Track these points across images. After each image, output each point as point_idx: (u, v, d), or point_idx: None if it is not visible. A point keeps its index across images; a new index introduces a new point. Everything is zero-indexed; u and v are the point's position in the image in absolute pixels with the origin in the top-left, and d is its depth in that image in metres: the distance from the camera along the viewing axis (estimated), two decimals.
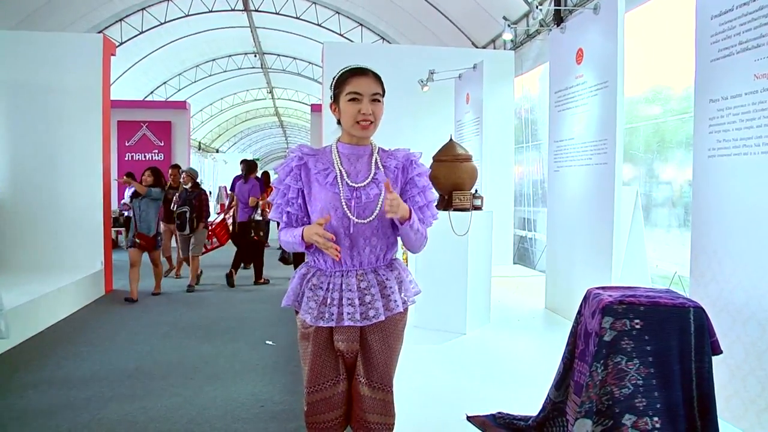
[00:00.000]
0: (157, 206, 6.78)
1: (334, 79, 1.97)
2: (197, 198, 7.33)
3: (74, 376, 3.97)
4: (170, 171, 8.31)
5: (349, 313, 1.88)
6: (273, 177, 14.38)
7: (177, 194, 7.49)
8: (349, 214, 1.89)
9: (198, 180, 7.81)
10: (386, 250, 1.97)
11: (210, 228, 8.46)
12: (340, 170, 1.93)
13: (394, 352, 2.00)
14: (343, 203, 1.89)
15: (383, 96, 1.95)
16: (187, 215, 7.18)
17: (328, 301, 1.90)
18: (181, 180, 7.57)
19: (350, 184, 1.91)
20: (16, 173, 6.96)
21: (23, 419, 3.27)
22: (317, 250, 1.93)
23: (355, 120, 1.89)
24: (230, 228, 8.76)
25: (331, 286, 1.92)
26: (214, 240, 8.78)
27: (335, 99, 1.95)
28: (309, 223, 1.99)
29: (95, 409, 3.41)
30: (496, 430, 2.62)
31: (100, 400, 3.53)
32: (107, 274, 7.11)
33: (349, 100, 1.89)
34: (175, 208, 7.40)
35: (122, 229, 11.31)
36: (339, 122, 2.00)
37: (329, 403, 1.96)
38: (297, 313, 2.01)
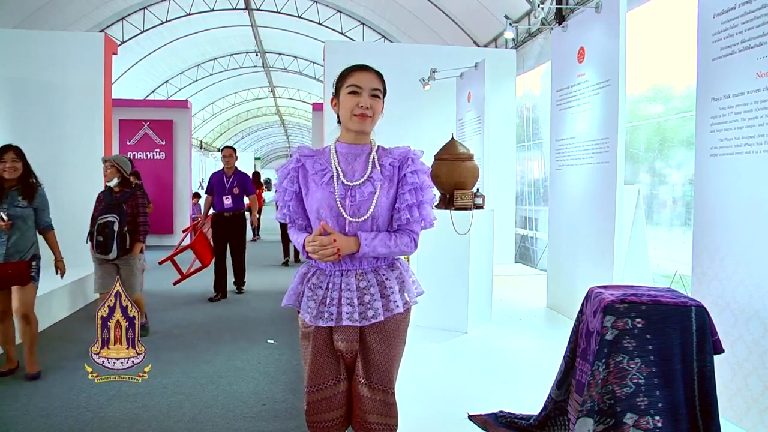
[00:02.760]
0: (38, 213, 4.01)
1: (337, 76, 1.99)
2: (129, 201, 4.72)
3: (76, 374, 3.97)
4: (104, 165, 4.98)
5: (347, 313, 1.87)
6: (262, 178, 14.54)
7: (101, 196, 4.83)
8: (343, 213, 1.89)
9: (130, 174, 5.01)
10: None
11: (189, 244, 6.69)
12: (336, 170, 1.93)
13: (394, 352, 1.98)
14: (338, 202, 1.90)
15: (384, 94, 1.95)
16: (115, 229, 4.57)
17: (328, 300, 1.90)
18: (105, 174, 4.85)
19: (345, 183, 1.92)
20: None
21: (25, 418, 3.28)
22: None
23: (353, 112, 1.89)
24: (211, 243, 6.98)
25: (330, 285, 1.92)
26: (183, 262, 6.91)
27: (337, 94, 1.96)
28: (307, 224, 2.01)
29: (97, 407, 3.42)
30: (498, 429, 2.62)
31: (102, 398, 3.54)
32: None
33: (349, 92, 1.90)
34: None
35: None
36: (339, 121, 2.00)
37: (329, 403, 1.96)
38: (299, 312, 2.01)
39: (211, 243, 6.92)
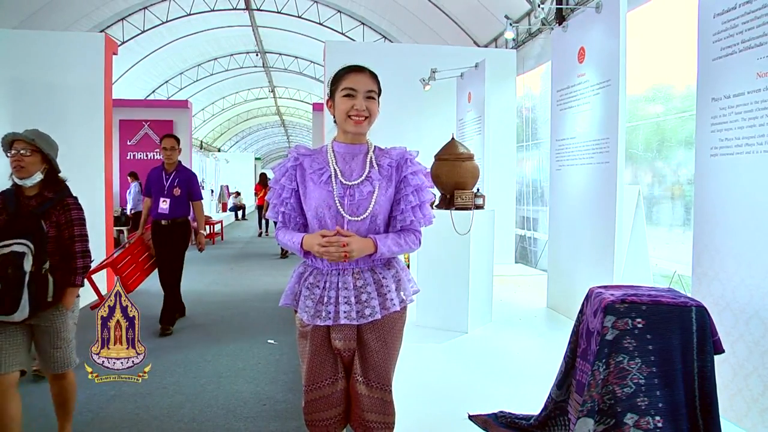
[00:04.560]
0: None
1: (331, 77, 1.99)
2: (54, 214, 2.67)
3: (76, 374, 3.97)
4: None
5: (345, 312, 1.89)
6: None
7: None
8: (342, 212, 1.90)
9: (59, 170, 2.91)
10: None
11: (108, 261, 5.03)
12: (335, 169, 1.94)
13: (391, 351, 2.00)
14: (337, 201, 1.91)
15: (379, 95, 1.96)
16: (26, 268, 2.50)
17: (325, 299, 1.91)
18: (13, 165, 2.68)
19: (344, 182, 1.93)
20: None
21: (25, 417, 3.27)
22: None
23: (348, 114, 1.90)
24: (152, 258, 5.38)
25: (327, 284, 1.93)
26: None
27: (331, 95, 1.97)
28: (304, 222, 2.01)
29: (97, 407, 3.42)
30: (498, 429, 2.62)
31: (103, 398, 3.54)
32: (109, 272, 7.12)
33: (344, 95, 1.91)
34: None
35: (124, 228, 11.35)
36: (335, 121, 2.01)
37: (327, 401, 1.97)
38: (296, 312, 2.01)
39: (151, 261, 5.44)
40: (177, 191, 5.17)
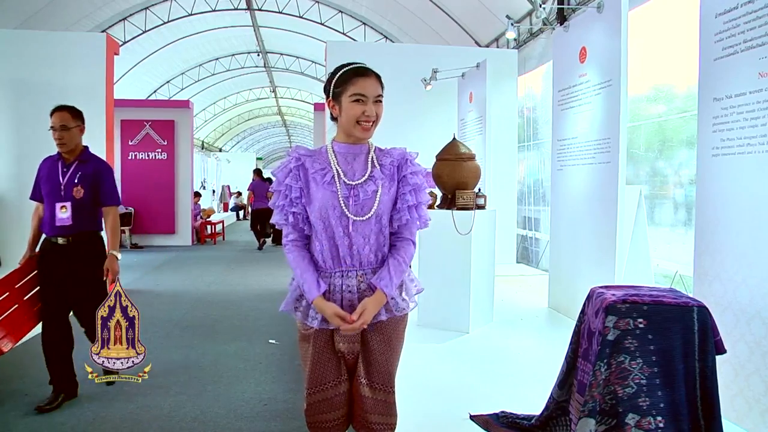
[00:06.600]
0: None
1: (334, 76, 1.93)
2: None
3: (77, 374, 3.98)
4: None
5: None
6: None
7: None
8: (347, 212, 1.89)
9: None
10: (386, 249, 1.97)
11: None
12: (337, 169, 1.92)
13: (395, 352, 1.99)
14: (341, 201, 1.89)
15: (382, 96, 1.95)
16: None
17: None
18: None
19: (347, 182, 1.91)
20: (19, 172, 6.98)
21: (27, 417, 3.28)
22: (318, 251, 1.94)
23: (358, 120, 1.88)
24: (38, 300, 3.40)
25: (330, 287, 1.92)
26: None
27: (336, 97, 1.92)
28: (311, 223, 1.97)
29: (98, 407, 3.42)
30: (500, 429, 2.62)
31: (104, 398, 3.54)
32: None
33: (354, 101, 1.88)
34: None
35: (125, 228, 11.36)
36: (332, 119, 1.98)
37: (331, 404, 1.96)
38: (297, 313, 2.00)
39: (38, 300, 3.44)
40: (79, 191, 3.34)
